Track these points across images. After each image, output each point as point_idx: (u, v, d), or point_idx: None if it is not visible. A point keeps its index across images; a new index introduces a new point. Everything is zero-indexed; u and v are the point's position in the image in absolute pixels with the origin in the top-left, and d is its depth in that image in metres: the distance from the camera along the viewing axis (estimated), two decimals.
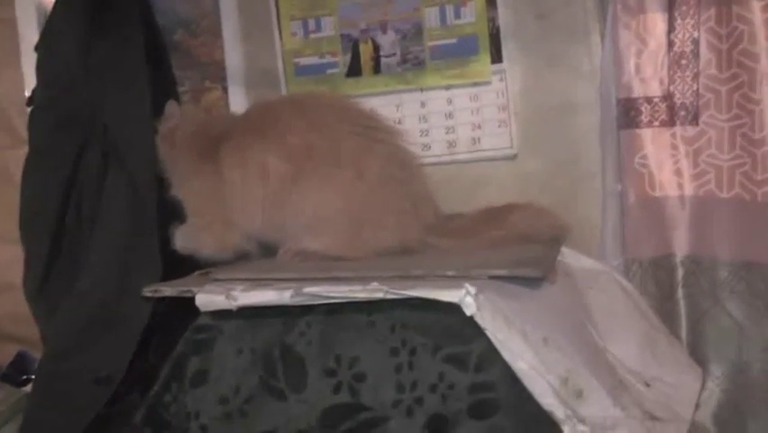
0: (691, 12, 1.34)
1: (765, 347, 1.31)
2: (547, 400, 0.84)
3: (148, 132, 1.21)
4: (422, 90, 1.54)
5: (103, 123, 1.25)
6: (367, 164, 1.08)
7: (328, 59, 1.57)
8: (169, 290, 1.04)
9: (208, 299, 0.97)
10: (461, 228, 1.14)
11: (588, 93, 1.45)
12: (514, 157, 1.51)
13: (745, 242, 1.32)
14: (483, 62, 1.50)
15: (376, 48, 1.55)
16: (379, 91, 1.54)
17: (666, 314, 1.33)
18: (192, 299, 0.98)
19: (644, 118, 1.37)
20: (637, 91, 1.37)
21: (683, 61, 1.35)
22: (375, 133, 1.12)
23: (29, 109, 1.34)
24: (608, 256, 1.39)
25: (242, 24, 1.62)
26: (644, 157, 1.37)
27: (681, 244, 1.36)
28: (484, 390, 0.86)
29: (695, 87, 1.35)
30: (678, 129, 1.36)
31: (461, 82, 1.52)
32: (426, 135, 1.54)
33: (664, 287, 1.36)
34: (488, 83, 1.51)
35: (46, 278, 1.24)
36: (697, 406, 1.07)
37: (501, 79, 1.50)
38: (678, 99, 1.36)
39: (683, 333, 1.35)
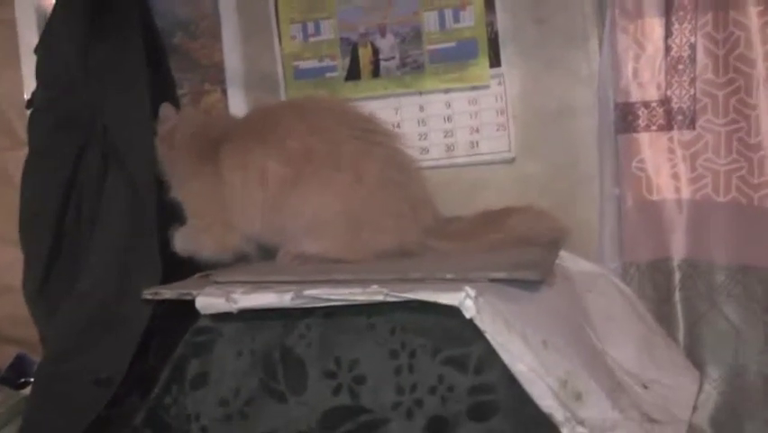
0: (688, 17, 1.35)
1: (762, 350, 1.32)
2: (546, 402, 0.85)
3: (147, 133, 1.21)
4: (421, 94, 1.55)
5: (102, 124, 1.25)
6: (366, 167, 1.08)
7: (327, 62, 1.58)
8: (169, 292, 1.04)
9: (208, 301, 0.97)
10: (460, 231, 1.14)
11: (586, 97, 1.46)
12: (512, 160, 1.52)
13: (741, 245, 1.33)
14: (482, 66, 1.51)
15: (375, 51, 1.56)
16: (378, 95, 1.55)
17: (664, 317, 1.34)
18: (192, 302, 0.98)
19: (642, 122, 1.38)
20: (635, 95, 1.38)
21: (680, 66, 1.36)
22: (374, 136, 1.13)
23: (28, 111, 1.34)
24: (606, 259, 1.40)
25: (241, 27, 1.62)
26: (642, 161, 1.38)
27: (678, 248, 1.37)
28: (484, 392, 0.86)
29: (692, 92, 1.36)
30: (675, 133, 1.37)
31: (460, 86, 1.52)
32: (425, 139, 1.55)
33: (662, 290, 1.37)
34: (486, 87, 1.52)
35: (46, 279, 1.24)
36: (694, 408, 1.08)
37: (500, 83, 1.51)
38: (675, 104, 1.37)
39: (681, 336, 1.35)
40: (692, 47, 1.35)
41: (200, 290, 0.99)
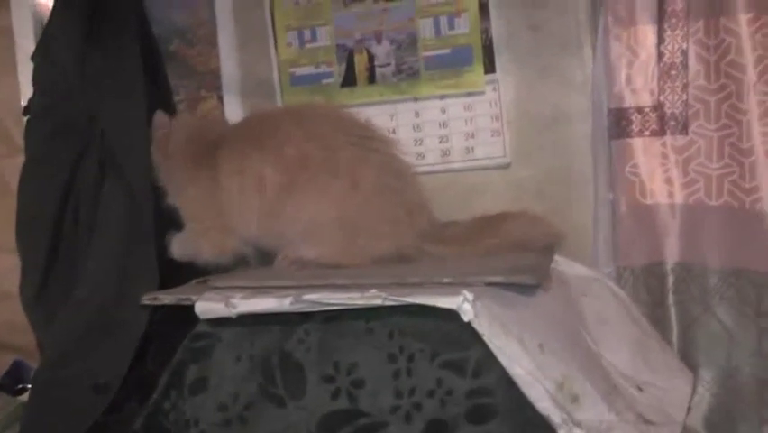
0: (680, 24, 1.36)
1: (754, 352, 1.33)
2: (544, 404, 0.85)
3: (144, 140, 1.21)
4: (416, 100, 1.56)
5: (100, 131, 1.25)
6: (362, 174, 1.09)
7: (323, 68, 1.59)
8: (167, 298, 1.04)
9: (208, 306, 0.97)
10: (456, 236, 1.15)
11: (580, 103, 1.47)
12: (507, 166, 1.53)
13: (734, 249, 1.34)
14: (477, 73, 1.52)
15: (371, 58, 1.56)
16: (373, 101, 1.56)
17: (657, 320, 1.35)
18: (190, 308, 0.98)
19: (635, 128, 1.39)
20: (628, 101, 1.39)
21: (673, 72, 1.38)
22: (370, 142, 1.14)
23: (25, 118, 1.35)
24: (601, 263, 1.41)
25: (237, 34, 1.62)
26: (635, 166, 1.39)
27: (671, 252, 1.38)
28: (482, 395, 0.87)
29: (684, 98, 1.37)
30: (668, 138, 1.38)
31: (455, 92, 1.53)
32: (421, 144, 1.56)
33: (656, 294, 1.38)
34: (481, 93, 1.52)
35: (43, 285, 1.24)
36: (688, 410, 1.08)
37: (495, 89, 1.52)
38: (668, 109, 1.38)
39: (674, 338, 1.36)
40: (684, 53, 1.37)
41: (199, 295, 0.99)
